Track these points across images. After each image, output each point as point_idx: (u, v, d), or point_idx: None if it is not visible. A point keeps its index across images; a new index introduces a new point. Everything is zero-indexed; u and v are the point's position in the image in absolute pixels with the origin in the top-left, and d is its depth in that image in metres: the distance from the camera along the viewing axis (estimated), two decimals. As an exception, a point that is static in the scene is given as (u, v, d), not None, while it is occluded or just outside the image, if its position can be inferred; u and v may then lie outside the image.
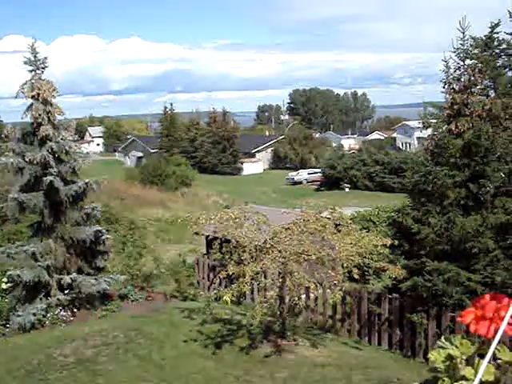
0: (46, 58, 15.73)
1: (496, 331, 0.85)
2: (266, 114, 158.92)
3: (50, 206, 15.48)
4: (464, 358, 0.89)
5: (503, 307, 0.87)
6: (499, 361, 0.89)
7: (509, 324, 0.86)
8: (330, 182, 60.62)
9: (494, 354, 0.86)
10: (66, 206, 15.63)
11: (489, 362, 0.88)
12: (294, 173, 69.94)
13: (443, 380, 0.86)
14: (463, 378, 0.87)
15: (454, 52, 13.88)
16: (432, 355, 0.94)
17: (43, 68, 15.71)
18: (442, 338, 0.96)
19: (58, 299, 14.95)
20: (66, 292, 15.21)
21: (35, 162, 15.08)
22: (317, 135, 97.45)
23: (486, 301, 0.90)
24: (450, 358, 0.90)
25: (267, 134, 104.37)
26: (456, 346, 0.91)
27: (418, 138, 67.46)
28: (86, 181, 15.87)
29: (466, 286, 12.46)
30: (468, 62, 14.36)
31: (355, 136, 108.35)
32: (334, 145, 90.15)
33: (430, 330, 13.03)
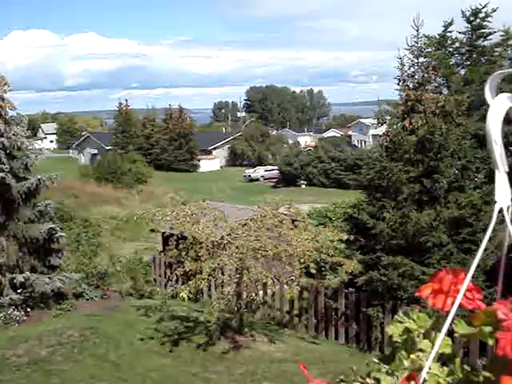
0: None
1: (453, 304, 0.85)
2: (223, 111, 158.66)
3: (1, 203, 15.11)
4: (421, 331, 0.90)
5: (460, 281, 0.87)
6: (456, 334, 0.90)
7: (465, 297, 0.87)
8: (287, 179, 60.91)
9: (451, 328, 0.87)
10: (19, 203, 15.27)
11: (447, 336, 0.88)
12: (251, 170, 69.99)
13: (401, 353, 0.85)
14: (420, 350, 0.87)
15: (409, 49, 14.09)
16: (390, 329, 0.94)
17: (-7, 62, 15.32)
18: (400, 312, 0.96)
19: (11, 299, 14.59)
20: (19, 291, 14.86)
21: (-14, 158, 14.71)
22: (273, 132, 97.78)
23: (443, 275, 0.90)
24: (407, 331, 0.90)
25: (224, 131, 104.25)
26: (413, 320, 0.91)
27: (373, 136, 68.31)
28: (39, 177, 15.53)
29: (420, 279, 12.67)
30: (422, 59, 14.60)
31: (311, 133, 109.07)
32: (290, 142, 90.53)
33: (386, 323, 13.21)
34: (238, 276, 12.47)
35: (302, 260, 12.19)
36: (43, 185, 15.70)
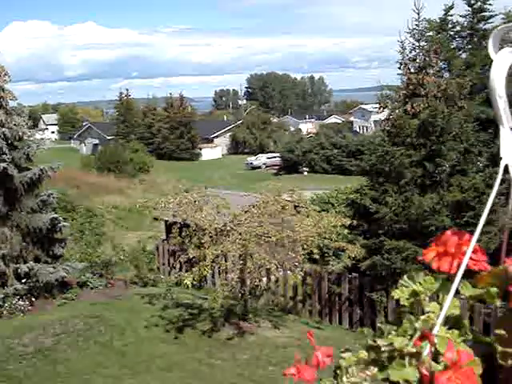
0: (-5, 41, 15.32)
1: (459, 266, 0.84)
2: (224, 99, 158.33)
3: (4, 194, 15.12)
4: (428, 293, 0.89)
5: (465, 242, 0.86)
6: (462, 296, 0.89)
7: (471, 259, 0.86)
8: (289, 166, 60.79)
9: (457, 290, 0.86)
10: (21, 193, 15.28)
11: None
12: (253, 157, 69.84)
13: (409, 317, 0.85)
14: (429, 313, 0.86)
15: (409, 33, 14.02)
16: (396, 293, 0.93)
17: (-8, 52, 15.28)
18: (405, 276, 0.95)
19: (16, 288, 14.64)
20: (23, 281, 14.91)
21: (-13, 148, 14.71)
22: (275, 120, 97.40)
23: (447, 237, 0.89)
24: (414, 294, 0.89)
25: (225, 119, 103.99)
26: (419, 283, 0.90)
27: (375, 122, 68.15)
28: (41, 167, 15.54)
29: (423, 263, 12.67)
30: (423, 43, 14.54)
31: (313, 120, 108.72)
32: (292, 129, 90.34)
33: (390, 307, 13.24)
34: (241, 262, 12.48)
35: (305, 246, 12.20)
36: (45, 175, 15.71)
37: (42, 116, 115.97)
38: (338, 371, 0.85)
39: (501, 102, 0.82)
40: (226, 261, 12.87)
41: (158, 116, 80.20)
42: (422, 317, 0.83)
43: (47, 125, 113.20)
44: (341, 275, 14.93)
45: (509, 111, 0.84)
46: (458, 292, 0.85)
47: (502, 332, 0.83)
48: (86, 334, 12.82)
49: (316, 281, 15.18)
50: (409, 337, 0.82)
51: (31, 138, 16.34)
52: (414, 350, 0.79)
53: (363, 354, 0.85)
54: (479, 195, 13.11)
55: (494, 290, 0.84)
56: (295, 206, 13.17)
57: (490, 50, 0.87)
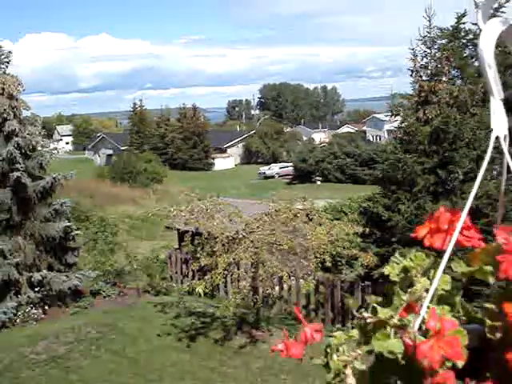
0: (10, 52, 15.49)
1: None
2: (237, 109, 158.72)
3: (17, 203, 15.22)
4: (419, 270, 0.88)
5: (458, 219, 0.85)
6: (455, 273, 0.88)
7: (464, 235, 0.85)
8: (302, 176, 60.70)
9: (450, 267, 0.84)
10: (35, 202, 15.38)
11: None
12: (266, 167, 69.85)
13: (397, 290, 0.84)
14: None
15: (421, 40, 14.01)
16: (386, 269, 0.92)
17: (7, 62, 15.45)
18: (396, 253, 0.94)
19: (29, 297, 14.72)
20: (36, 289, 14.98)
21: (1, 157, 14.83)
22: (288, 129, 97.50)
23: (439, 214, 0.88)
24: (405, 270, 0.88)
25: (238, 129, 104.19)
26: (410, 259, 0.89)
27: (388, 131, 67.96)
28: (54, 175, 15.64)
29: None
30: (434, 50, 14.51)
31: (326, 130, 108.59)
32: (304, 139, 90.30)
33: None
34: (253, 270, 12.46)
35: (317, 254, 12.15)
36: (58, 183, 15.80)
37: (57, 127, 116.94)
38: (329, 350, 0.84)
39: (490, 72, 0.82)
40: (238, 269, 12.85)
41: (171, 126, 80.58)
42: (410, 289, 0.82)
43: (62, 136, 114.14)
44: (353, 283, 14.85)
45: (499, 81, 0.83)
46: (452, 270, 0.84)
47: (492, 306, 0.82)
48: (99, 342, 12.84)
49: (329, 289, 15.11)
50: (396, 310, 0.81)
51: (45, 148, 16.47)
52: (399, 322, 0.78)
53: (354, 332, 0.84)
54: (492, 202, 13.02)
55: (488, 268, 0.83)
56: (307, 214, 13.13)
57: (479, 21, 0.86)
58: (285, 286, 15.50)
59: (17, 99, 15.36)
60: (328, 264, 13.00)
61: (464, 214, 0.82)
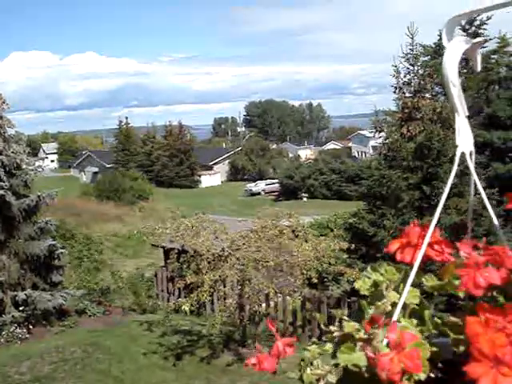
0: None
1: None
2: (223, 126, 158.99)
3: (2, 221, 15.11)
4: (390, 284, 0.89)
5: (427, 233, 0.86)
6: (424, 287, 0.89)
7: (434, 250, 0.86)
8: (288, 192, 60.82)
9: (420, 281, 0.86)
10: (19, 220, 15.28)
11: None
12: (252, 184, 69.92)
13: (366, 306, 0.85)
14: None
15: (404, 57, 14.17)
16: (357, 284, 0.93)
17: (-9, 80, 15.42)
18: (368, 268, 0.95)
19: (13, 316, 14.55)
20: (20, 309, 14.82)
21: (-15, 176, 14.74)
22: (274, 146, 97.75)
23: (410, 229, 0.89)
24: (375, 285, 0.89)
25: (224, 146, 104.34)
26: (381, 274, 0.90)
27: (373, 147, 68.38)
28: (39, 194, 15.56)
29: (422, 287, 12.61)
30: (417, 67, 14.67)
31: (311, 146, 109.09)
32: (290, 155, 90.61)
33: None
34: (239, 288, 12.42)
35: (303, 270, 12.14)
36: (43, 201, 15.71)
37: (42, 145, 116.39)
38: (302, 363, 0.85)
39: (455, 90, 0.84)
40: (224, 286, 12.80)
41: (157, 144, 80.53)
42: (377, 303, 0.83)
43: (47, 154, 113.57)
44: (340, 299, 14.83)
45: (463, 99, 0.85)
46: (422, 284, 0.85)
47: (455, 319, 0.83)
48: (84, 362, 12.71)
49: (315, 305, 15.08)
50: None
51: (30, 166, 16.39)
52: (364, 336, 0.79)
53: (328, 346, 0.85)
54: (477, 217, 13.11)
55: (458, 281, 0.84)
56: (293, 231, 13.14)
57: (444, 39, 0.88)
58: (271, 303, 15.46)
59: (1, 117, 15.30)
60: (314, 280, 13.00)
61: (431, 229, 0.84)
